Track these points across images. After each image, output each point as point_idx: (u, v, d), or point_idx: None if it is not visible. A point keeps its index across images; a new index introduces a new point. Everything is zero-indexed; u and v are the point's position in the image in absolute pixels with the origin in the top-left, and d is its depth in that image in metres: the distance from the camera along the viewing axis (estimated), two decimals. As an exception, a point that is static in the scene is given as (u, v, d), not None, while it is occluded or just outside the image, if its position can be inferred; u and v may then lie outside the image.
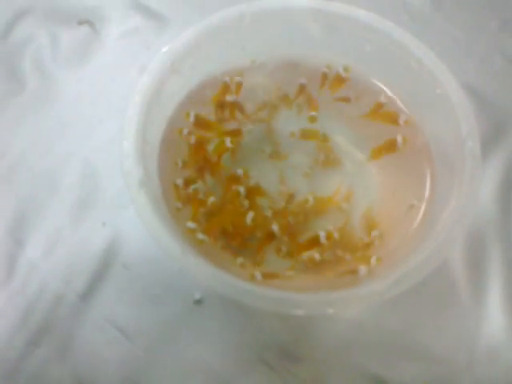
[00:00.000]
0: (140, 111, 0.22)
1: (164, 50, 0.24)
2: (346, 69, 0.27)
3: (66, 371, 0.26)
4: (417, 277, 0.19)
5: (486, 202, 0.30)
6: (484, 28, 0.36)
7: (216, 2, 0.36)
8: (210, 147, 0.26)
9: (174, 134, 0.25)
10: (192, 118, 0.25)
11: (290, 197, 0.26)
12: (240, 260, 0.24)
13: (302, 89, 0.27)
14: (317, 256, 0.24)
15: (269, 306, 0.19)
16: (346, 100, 0.27)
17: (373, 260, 0.23)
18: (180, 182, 0.24)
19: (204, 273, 0.19)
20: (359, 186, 0.27)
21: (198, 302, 0.28)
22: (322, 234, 0.23)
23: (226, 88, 0.26)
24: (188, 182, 0.24)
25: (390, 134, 0.27)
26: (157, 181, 0.23)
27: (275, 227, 0.24)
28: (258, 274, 0.23)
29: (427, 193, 0.24)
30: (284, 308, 0.19)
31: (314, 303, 0.19)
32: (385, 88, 0.27)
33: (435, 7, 0.37)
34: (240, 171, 0.26)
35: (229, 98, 0.27)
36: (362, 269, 0.23)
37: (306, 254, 0.24)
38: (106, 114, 0.33)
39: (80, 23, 0.36)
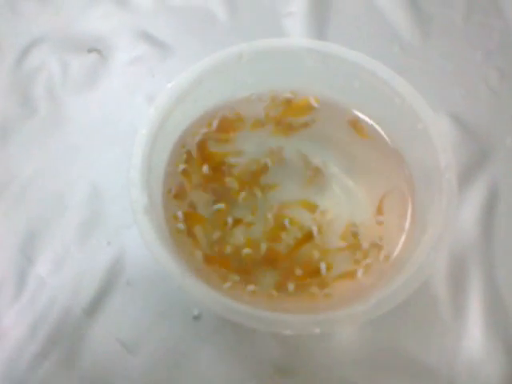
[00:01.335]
0: (146, 143, 0.24)
1: (169, 85, 0.26)
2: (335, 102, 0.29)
3: (72, 382, 0.28)
4: (398, 299, 0.21)
5: (468, 226, 0.32)
6: (469, 59, 0.38)
7: (217, 33, 0.39)
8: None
9: (174, 165, 0.27)
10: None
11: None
12: (236, 279, 0.26)
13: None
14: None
15: (259, 326, 0.21)
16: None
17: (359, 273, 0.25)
18: (180, 214, 0.26)
19: (199, 292, 0.21)
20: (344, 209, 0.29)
21: (196, 317, 0.29)
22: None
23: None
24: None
25: (377, 161, 0.29)
26: (160, 208, 0.25)
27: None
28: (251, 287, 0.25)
29: (408, 220, 0.26)
30: (274, 328, 0.21)
31: (302, 323, 0.21)
32: (371, 122, 0.29)
33: (424, 39, 0.39)
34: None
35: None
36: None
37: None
38: (112, 138, 0.34)
39: (89, 51, 0.38)
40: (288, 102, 0.29)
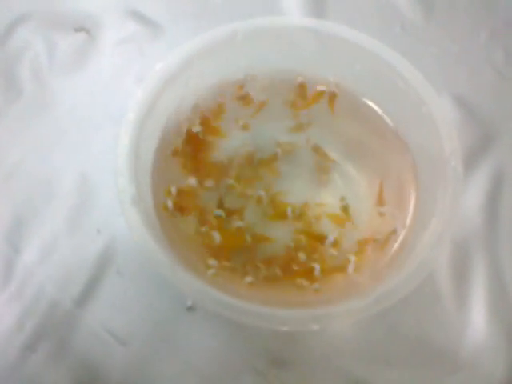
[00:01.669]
0: (133, 129, 0.23)
1: (158, 66, 0.25)
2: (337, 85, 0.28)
3: (61, 375, 0.27)
4: (398, 294, 0.20)
5: (472, 213, 0.31)
6: (473, 39, 0.37)
7: (210, 11, 0.37)
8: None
9: (165, 150, 0.26)
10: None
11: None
12: (229, 270, 0.25)
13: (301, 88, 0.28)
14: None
15: (255, 322, 0.20)
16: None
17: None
18: (170, 203, 0.25)
19: (189, 287, 0.20)
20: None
21: (190, 308, 0.28)
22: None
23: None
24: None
25: (378, 148, 0.28)
26: (150, 197, 0.23)
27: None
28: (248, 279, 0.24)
29: (410, 212, 0.25)
30: (270, 324, 0.20)
31: (299, 319, 0.20)
32: (373, 105, 0.27)
33: (427, 18, 0.37)
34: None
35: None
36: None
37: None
38: (102, 121, 0.33)
39: (77, 30, 0.37)
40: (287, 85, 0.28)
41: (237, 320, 0.20)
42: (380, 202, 0.26)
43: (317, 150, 0.29)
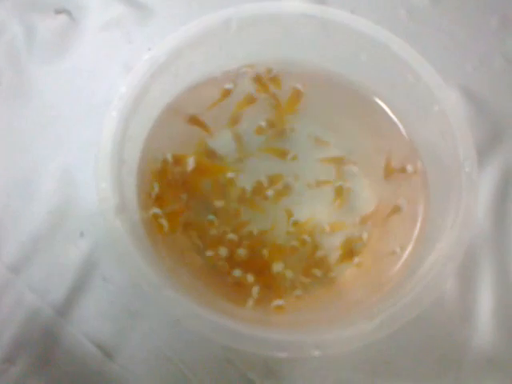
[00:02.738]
0: (117, 128, 0.21)
1: (144, 58, 0.23)
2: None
3: (42, 391, 0.26)
4: (404, 318, 0.19)
5: (480, 214, 0.29)
6: (484, 26, 0.35)
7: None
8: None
9: (152, 152, 0.23)
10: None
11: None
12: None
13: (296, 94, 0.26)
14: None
15: (250, 348, 0.18)
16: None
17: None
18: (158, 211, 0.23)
19: (178, 309, 0.18)
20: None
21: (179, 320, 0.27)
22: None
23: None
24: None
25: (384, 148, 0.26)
26: (136, 207, 0.21)
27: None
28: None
29: (419, 222, 0.23)
30: (267, 350, 0.18)
31: (299, 345, 0.18)
32: (378, 100, 0.25)
33: (434, 3, 0.35)
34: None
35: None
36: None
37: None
38: (85, 114, 0.31)
39: (57, 12, 0.34)
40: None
41: (230, 345, 0.18)
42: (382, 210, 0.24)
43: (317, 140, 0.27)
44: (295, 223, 0.25)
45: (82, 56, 0.33)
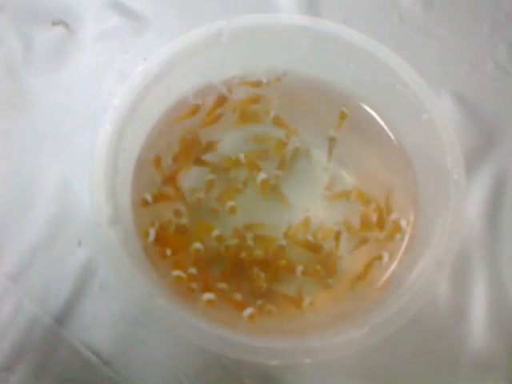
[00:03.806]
0: (111, 141, 0.21)
1: (138, 70, 0.23)
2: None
3: (40, 399, 0.26)
4: (394, 324, 0.19)
5: (473, 219, 0.29)
6: (475, 32, 0.35)
7: (197, 3, 0.35)
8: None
9: (147, 163, 0.24)
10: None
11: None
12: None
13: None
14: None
15: (241, 356, 0.18)
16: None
17: None
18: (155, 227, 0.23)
19: (170, 319, 0.19)
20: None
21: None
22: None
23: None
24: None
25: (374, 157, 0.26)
26: (130, 218, 0.21)
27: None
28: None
29: (408, 231, 0.23)
30: (258, 358, 0.18)
31: (290, 353, 0.18)
32: (367, 108, 0.25)
33: (426, 9, 0.35)
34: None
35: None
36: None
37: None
38: (82, 123, 0.31)
39: (54, 24, 0.34)
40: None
41: (224, 354, 0.18)
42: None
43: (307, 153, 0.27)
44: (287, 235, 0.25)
45: (79, 66, 0.33)
